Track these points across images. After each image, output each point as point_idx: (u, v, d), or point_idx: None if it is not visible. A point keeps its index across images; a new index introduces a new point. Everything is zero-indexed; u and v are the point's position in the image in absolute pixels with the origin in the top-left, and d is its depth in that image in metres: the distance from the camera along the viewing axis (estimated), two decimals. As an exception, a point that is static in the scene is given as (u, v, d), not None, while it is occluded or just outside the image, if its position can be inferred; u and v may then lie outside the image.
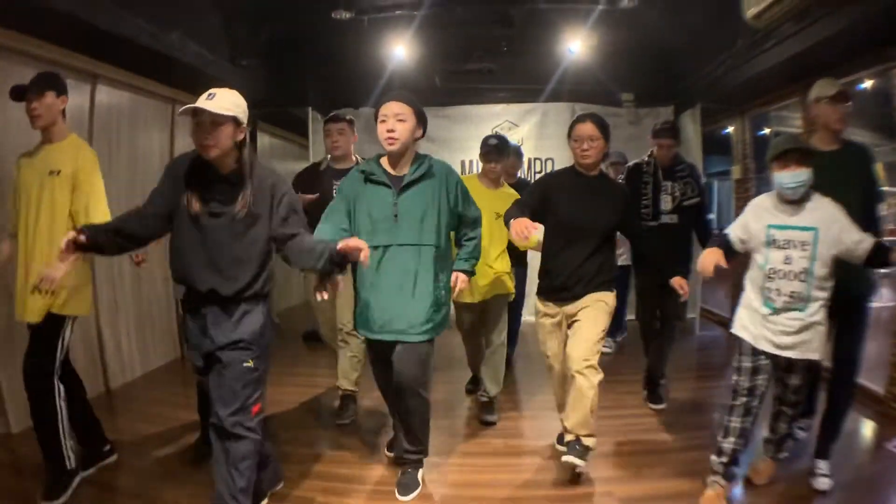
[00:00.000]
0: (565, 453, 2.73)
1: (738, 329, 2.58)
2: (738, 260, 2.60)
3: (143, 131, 4.58)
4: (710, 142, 6.41)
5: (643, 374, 4.00)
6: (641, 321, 4.04)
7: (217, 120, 2.11)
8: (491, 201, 3.36)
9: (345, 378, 3.69)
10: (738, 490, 2.66)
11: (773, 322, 2.43)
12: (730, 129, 6.22)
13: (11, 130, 3.13)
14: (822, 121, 2.74)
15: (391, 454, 3.07)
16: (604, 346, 3.28)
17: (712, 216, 4.05)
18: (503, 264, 3.48)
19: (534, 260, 3.71)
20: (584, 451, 2.72)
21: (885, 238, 2.77)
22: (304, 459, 3.07)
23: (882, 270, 2.60)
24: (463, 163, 6.29)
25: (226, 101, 2.14)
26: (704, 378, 4.26)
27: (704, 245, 2.82)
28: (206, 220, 2.18)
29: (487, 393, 3.59)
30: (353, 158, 3.72)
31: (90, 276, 2.82)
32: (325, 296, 2.26)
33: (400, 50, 5.63)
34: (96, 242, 2.14)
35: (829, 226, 2.35)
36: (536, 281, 2.99)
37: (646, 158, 3.97)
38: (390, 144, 2.54)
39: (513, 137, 6.28)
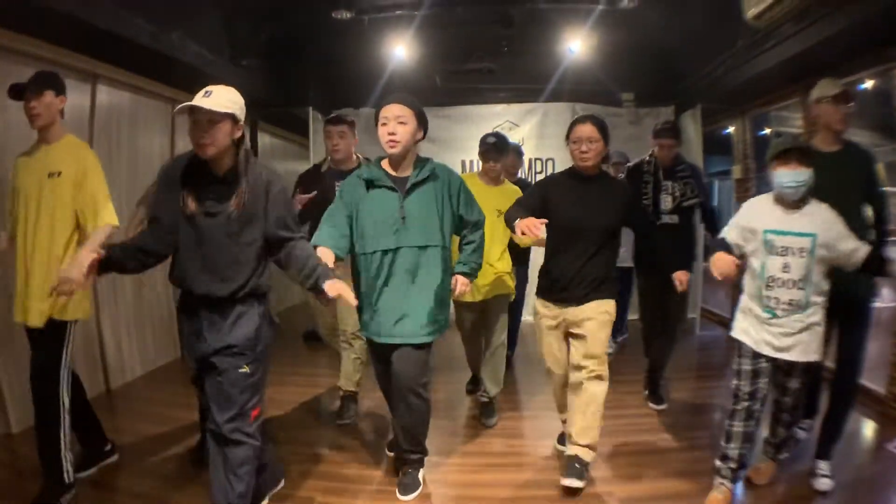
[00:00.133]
0: (564, 474, 2.71)
1: (738, 333, 2.56)
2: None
3: (143, 131, 4.58)
4: (711, 142, 6.40)
5: (644, 375, 4.00)
6: (644, 321, 4.04)
7: (214, 118, 2.06)
8: (492, 199, 3.35)
9: (347, 379, 3.68)
10: (739, 490, 2.65)
11: (774, 325, 2.42)
12: (730, 129, 6.22)
13: (11, 131, 3.13)
14: (823, 121, 2.72)
15: (392, 454, 3.07)
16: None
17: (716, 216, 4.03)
18: (505, 264, 3.48)
19: (535, 260, 3.72)
20: (583, 470, 2.72)
21: (890, 238, 2.78)
22: (305, 459, 3.07)
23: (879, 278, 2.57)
24: (463, 162, 6.29)
25: (223, 99, 2.09)
26: (704, 378, 4.26)
27: (714, 234, 2.79)
28: (201, 220, 2.15)
29: (487, 393, 3.59)
30: (355, 158, 3.70)
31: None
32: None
33: (400, 50, 5.62)
34: (119, 260, 2.12)
35: (827, 232, 2.34)
36: (537, 281, 2.95)
37: (647, 158, 3.96)
38: (392, 147, 2.54)
39: (513, 137, 6.25)
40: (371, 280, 2.59)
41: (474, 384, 4.05)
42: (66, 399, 2.58)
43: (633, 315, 5.42)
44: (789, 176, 2.33)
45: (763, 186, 2.53)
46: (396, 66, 5.79)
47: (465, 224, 2.73)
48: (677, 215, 3.81)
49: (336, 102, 6.37)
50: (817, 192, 2.41)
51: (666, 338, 3.89)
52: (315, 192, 3.46)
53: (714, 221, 3.91)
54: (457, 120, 6.45)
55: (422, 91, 4.77)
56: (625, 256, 4.44)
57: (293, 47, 5.83)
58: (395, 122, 2.52)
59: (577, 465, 2.72)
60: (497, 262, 3.43)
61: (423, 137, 2.67)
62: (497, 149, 3.50)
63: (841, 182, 2.59)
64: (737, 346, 2.56)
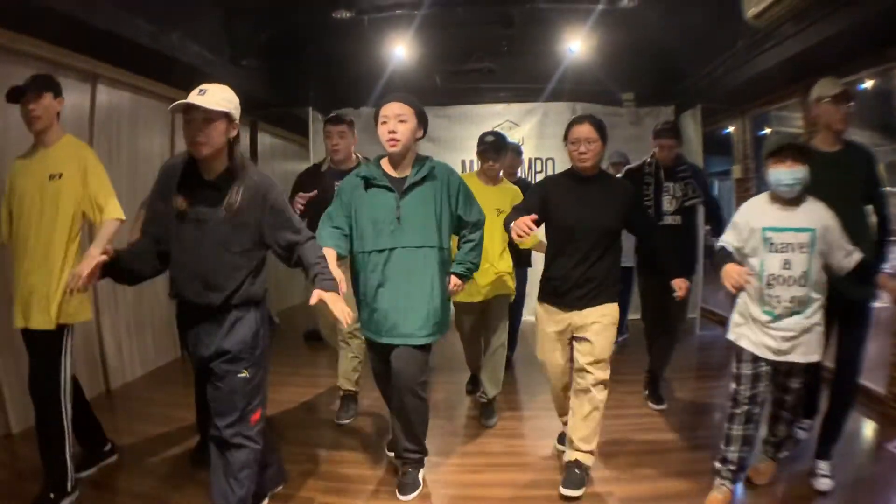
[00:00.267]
0: (563, 483, 2.70)
1: (736, 337, 2.54)
2: None
3: (143, 131, 4.59)
4: (711, 142, 6.41)
5: (644, 375, 4.01)
6: (645, 321, 4.04)
7: (209, 116, 2.02)
8: (491, 198, 3.34)
9: (345, 378, 3.68)
10: (738, 490, 2.65)
11: (774, 328, 2.39)
12: (730, 129, 6.22)
13: (11, 132, 3.12)
14: (823, 121, 2.71)
15: (391, 454, 3.07)
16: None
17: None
18: (505, 264, 3.47)
19: (535, 260, 3.72)
20: (582, 476, 2.72)
21: (891, 238, 2.78)
22: (305, 459, 3.07)
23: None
24: (463, 162, 6.30)
25: (217, 97, 2.05)
26: (705, 378, 4.26)
27: (718, 233, 2.76)
28: (192, 226, 2.11)
29: (487, 394, 3.58)
30: (354, 157, 3.70)
31: None
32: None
33: (400, 50, 5.63)
34: (120, 266, 2.10)
35: (825, 228, 2.34)
36: (537, 283, 2.90)
37: (647, 160, 3.96)
38: (392, 146, 2.53)
39: (513, 137, 6.28)
40: (368, 280, 2.59)
41: (474, 384, 4.05)
42: (67, 406, 2.57)
43: (633, 315, 5.43)
44: (785, 174, 2.32)
45: (763, 186, 2.52)
46: (396, 65, 5.79)
47: (465, 224, 2.72)
48: (680, 216, 3.80)
49: (336, 102, 6.38)
50: (818, 192, 2.40)
51: (667, 337, 3.88)
52: (315, 192, 3.45)
53: (719, 218, 3.90)
54: (457, 120, 6.47)
55: (422, 91, 4.78)
56: (625, 256, 4.45)
57: (293, 47, 5.83)
58: (396, 121, 2.52)
59: (576, 470, 2.71)
60: (497, 262, 3.42)
61: (423, 136, 2.67)
62: (495, 148, 3.48)
63: (842, 182, 2.58)
64: (735, 350, 2.53)
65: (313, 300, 2.09)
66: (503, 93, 6.60)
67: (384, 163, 2.66)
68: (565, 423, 3.00)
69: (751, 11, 3.68)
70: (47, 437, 2.54)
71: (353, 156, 3.70)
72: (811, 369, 2.56)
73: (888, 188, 2.77)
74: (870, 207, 2.73)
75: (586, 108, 5.98)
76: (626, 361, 4.40)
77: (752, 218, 2.46)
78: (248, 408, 2.20)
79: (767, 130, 5.98)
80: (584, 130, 2.68)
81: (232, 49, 4.99)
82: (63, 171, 2.57)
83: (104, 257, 2.04)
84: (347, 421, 3.62)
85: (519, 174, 4.85)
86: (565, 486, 2.67)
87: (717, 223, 3.87)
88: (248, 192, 2.13)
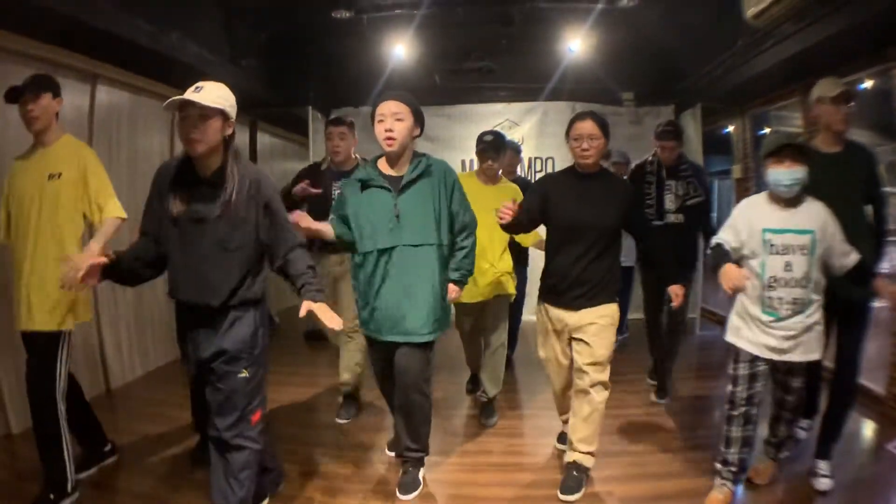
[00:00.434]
0: (561, 487, 2.70)
1: (734, 338, 2.53)
2: None
3: (142, 131, 4.58)
4: (711, 141, 6.40)
5: (648, 368, 4.10)
6: (647, 316, 4.06)
7: (204, 113, 2.02)
8: (490, 197, 3.30)
9: (349, 373, 3.70)
10: (739, 490, 2.65)
11: (776, 328, 2.38)
12: (730, 129, 6.22)
13: (10, 132, 3.12)
14: (824, 121, 2.70)
15: (391, 453, 3.08)
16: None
17: (713, 214, 4.07)
18: (505, 264, 3.46)
19: (535, 260, 3.72)
20: (581, 478, 2.72)
21: (889, 238, 2.77)
22: (305, 459, 3.07)
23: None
24: (463, 162, 6.29)
25: (213, 94, 2.05)
26: (705, 377, 4.26)
27: (707, 236, 2.75)
28: (188, 226, 2.10)
29: (487, 393, 3.59)
30: (354, 158, 3.74)
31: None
32: None
33: (400, 49, 5.63)
34: (121, 267, 2.10)
35: (825, 229, 2.33)
36: (537, 282, 2.90)
37: (649, 158, 3.98)
38: (389, 145, 2.54)
39: (513, 136, 6.27)
40: (368, 279, 2.59)
41: (474, 384, 4.05)
42: (62, 406, 2.56)
43: (633, 314, 5.44)
44: (785, 174, 2.31)
45: (763, 186, 2.50)
46: (396, 65, 5.79)
47: (455, 224, 2.69)
48: (682, 214, 3.82)
49: (336, 102, 6.38)
50: (819, 192, 2.39)
51: (671, 334, 3.92)
52: (320, 190, 3.48)
53: (709, 223, 3.92)
54: (456, 119, 6.46)
55: (421, 90, 4.78)
56: (625, 255, 4.46)
57: (293, 47, 5.83)
58: (392, 119, 2.52)
59: (575, 472, 2.72)
60: (498, 262, 3.42)
61: (420, 134, 2.67)
62: (494, 147, 3.47)
63: (842, 183, 2.58)
64: (732, 350, 2.52)
65: (302, 312, 2.12)
66: (503, 92, 6.59)
67: (381, 162, 2.66)
68: (565, 423, 3.01)
69: (750, 11, 3.68)
70: (45, 437, 2.54)
71: (353, 157, 3.74)
72: (811, 368, 2.56)
73: (888, 188, 2.76)
74: (868, 207, 2.73)
75: (586, 108, 5.94)
76: (626, 361, 4.40)
77: (751, 218, 2.44)
78: (249, 408, 2.19)
79: (767, 130, 5.99)
80: (587, 127, 2.65)
81: (231, 49, 4.98)
82: (62, 170, 2.57)
83: (104, 259, 2.04)
84: (346, 420, 3.63)
85: (518, 173, 4.85)
86: (562, 492, 2.68)
87: (707, 222, 3.90)
88: (244, 189, 2.13)
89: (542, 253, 2.94)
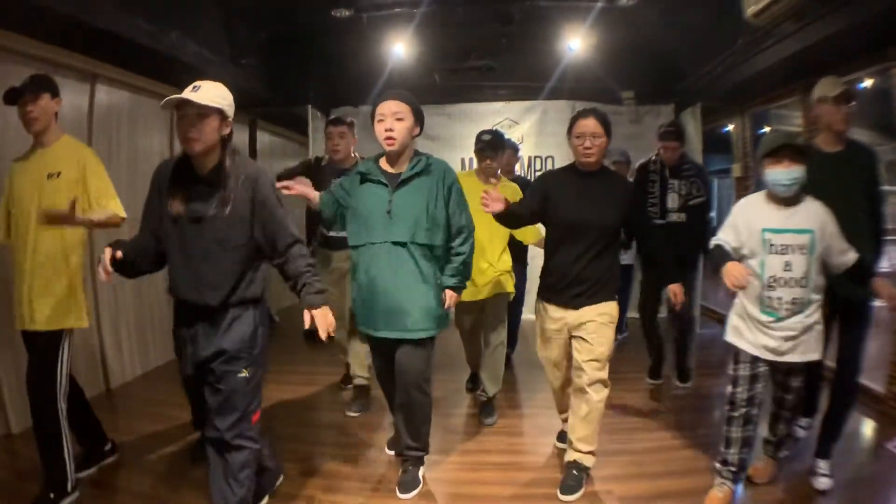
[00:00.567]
0: (561, 487, 2.70)
1: (734, 338, 2.52)
2: None
3: (142, 131, 4.58)
4: (711, 140, 6.41)
5: (648, 367, 4.20)
6: (642, 314, 4.09)
7: (202, 112, 2.03)
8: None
9: (358, 364, 3.75)
10: (739, 489, 2.65)
11: (775, 328, 2.38)
12: (730, 128, 6.22)
13: (10, 132, 3.12)
14: (825, 121, 2.70)
15: (391, 452, 3.09)
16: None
17: (712, 214, 4.10)
18: (504, 263, 3.47)
19: (535, 259, 3.72)
20: (581, 477, 2.72)
21: (886, 237, 2.77)
22: (305, 458, 3.08)
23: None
24: (463, 160, 6.29)
25: (211, 93, 2.06)
26: (705, 376, 4.25)
27: (705, 240, 2.77)
28: (186, 224, 2.11)
29: (486, 392, 3.59)
30: (354, 157, 3.78)
31: (80, 285, 2.68)
32: None
33: (399, 48, 5.63)
34: (126, 256, 2.09)
35: (823, 228, 2.32)
36: (537, 281, 2.90)
37: (652, 157, 4.00)
38: (389, 144, 2.54)
39: (513, 135, 6.27)
40: (361, 273, 2.61)
41: (474, 383, 4.06)
42: (63, 406, 2.56)
43: (633, 313, 5.44)
44: (784, 175, 2.30)
45: (762, 184, 2.50)
46: (396, 63, 5.79)
47: (451, 227, 2.66)
48: (684, 213, 3.85)
49: (335, 100, 6.39)
50: (820, 192, 2.39)
51: (680, 332, 4.06)
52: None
53: (708, 230, 3.95)
54: (456, 118, 6.46)
55: (421, 89, 4.77)
56: (624, 254, 4.47)
57: (292, 46, 5.84)
58: (392, 119, 2.52)
59: (575, 471, 2.72)
60: (497, 261, 3.42)
61: (420, 133, 2.67)
62: (492, 146, 3.48)
63: (844, 182, 2.58)
64: (732, 351, 2.52)
65: (307, 322, 2.16)
66: (503, 91, 6.59)
67: (382, 160, 2.67)
68: (565, 421, 3.01)
69: (750, 10, 3.67)
70: (45, 437, 2.54)
71: (353, 156, 3.79)
72: (811, 368, 2.55)
73: (888, 187, 2.76)
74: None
75: (586, 106, 5.96)
76: (625, 360, 4.40)
77: (750, 218, 2.43)
78: (249, 408, 2.20)
79: (767, 129, 5.99)
80: (590, 125, 2.64)
81: (231, 48, 4.98)
82: (61, 169, 2.57)
83: (119, 254, 2.04)
84: (357, 413, 3.66)
85: (517, 172, 4.86)
86: (562, 491, 2.68)
87: (706, 225, 3.94)
88: (241, 186, 2.13)
89: (542, 251, 2.94)
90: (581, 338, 2.68)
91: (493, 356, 3.57)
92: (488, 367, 3.58)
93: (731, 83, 4.92)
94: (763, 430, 2.72)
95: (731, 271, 2.28)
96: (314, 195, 2.67)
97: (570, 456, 2.75)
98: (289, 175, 3.63)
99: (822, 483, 2.65)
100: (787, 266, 2.34)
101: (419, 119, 2.62)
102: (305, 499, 2.69)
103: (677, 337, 4.12)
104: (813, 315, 2.38)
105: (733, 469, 2.52)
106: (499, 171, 3.65)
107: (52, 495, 2.52)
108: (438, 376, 4.10)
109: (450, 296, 2.69)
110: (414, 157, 2.64)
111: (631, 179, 4.43)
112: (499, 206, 2.58)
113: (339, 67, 6.25)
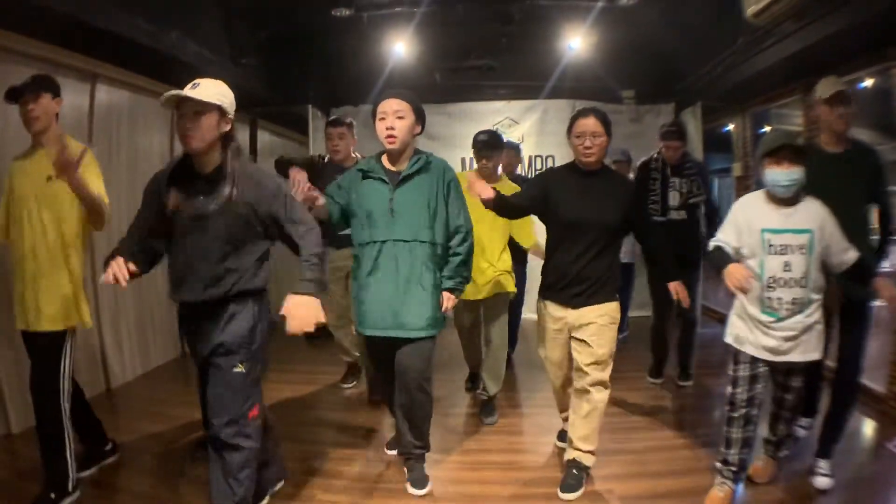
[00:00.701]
0: (561, 485, 2.70)
1: (734, 339, 2.51)
2: None
3: (142, 130, 4.58)
4: (711, 139, 6.42)
5: (649, 367, 4.22)
6: (655, 313, 4.14)
7: (200, 109, 2.04)
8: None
9: (352, 344, 3.90)
10: (739, 489, 2.64)
11: (776, 328, 2.37)
12: (730, 127, 6.22)
13: (11, 132, 3.12)
14: (823, 122, 2.71)
15: (390, 452, 3.10)
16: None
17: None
18: (504, 262, 3.47)
19: (535, 258, 3.72)
20: (581, 476, 2.72)
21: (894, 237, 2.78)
22: (305, 457, 3.08)
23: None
24: (463, 160, 6.28)
25: (210, 91, 2.07)
26: (705, 375, 4.25)
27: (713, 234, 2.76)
28: (188, 222, 2.11)
29: (487, 392, 3.59)
30: (354, 157, 3.79)
31: (81, 285, 2.68)
32: None
33: (400, 47, 5.64)
34: (137, 258, 2.10)
35: (823, 228, 2.32)
36: (537, 280, 2.88)
37: (654, 155, 4.02)
38: (390, 143, 2.54)
39: (513, 134, 6.31)
40: (362, 271, 2.61)
41: (473, 382, 4.06)
42: (66, 406, 2.57)
43: (634, 312, 5.45)
44: (783, 175, 2.30)
45: (762, 184, 2.49)
46: (396, 63, 5.79)
47: (449, 226, 2.65)
48: (685, 211, 3.87)
49: (336, 100, 6.39)
50: (822, 192, 2.39)
51: (684, 331, 4.08)
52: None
53: (715, 222, 3.95)
54: (457, 117, 6.45)
55: (421, 88, 4.77)
56: (625, 253, 4.48)
57: (293, 45, 5.83)
58: (394, 117, 2.53)
59: (575, 470, 2.72)
60: (497, 261, 3.42)
61: (421, 132, 2.67)
62: (489, 145, 3.49)
63: (845, 182, 2.58)
64: (732, 352, 2.51)
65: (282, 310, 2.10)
66: (503, 90, 6.59)
67: (384, 158, 2.67)
68: (566, 420, 3.01)
69: (751, 9, 3.68)
70: (47, 437, 2.54)
71: (353, 155, 3.81)
72: (811, 368, 2.55)
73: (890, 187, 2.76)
74: (872, 206, 2.73)
75: (587, 105, 5.97)
76: (626, 359, 4.38)
77: (750, 218, 2.42)
78: (246, 405, 2.18)
79: (767, 128, 5.99)
80: (590, 124, 2.63)
81: (231, 47, 4.98)
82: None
83: (132, 266, 2.05)
84: (351, 384, 3.93)
85: (518, 171, 4.86)
86: (562, 490, 2.68)
87: (713, 225, 3.93)
88: (242, 183, 2.12)
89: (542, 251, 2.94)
90: (582, 340, 2.67)
91: (494, 356, 3.57)
92: (489, 366, 3.58)
93: (732, 83, 4.93)
94: (763, 430, 2.72)
95: (732, 273, 2.28)
96: (321, 202, 2.61)
97: (571, 455, 2.75)
98: (289, 163, 3.62)
99: (822, 482, 2.65)
100: (787, 266, 2.33)
101: (420, 117, 2.63)
102: (305, 498, 2.69)
103: (681, 335, 4.13)
104: (813, 315, 2.37)
105: (734, 469, 2.51)
106: (500, 171, 3.65)
107: (52, 495, 2.52)
108: (438, 375, 4.10)
109: (448, 298, 2.65)
110: (414, 155, 2.64)
111: (631, 177, 4.45)
112: (488, 193, 2.56)
113: (340, 67, 6.25)
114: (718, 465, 2.56)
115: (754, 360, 2.43)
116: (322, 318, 2.11)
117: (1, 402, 3.24)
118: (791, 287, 2.34)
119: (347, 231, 2.76)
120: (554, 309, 2.76)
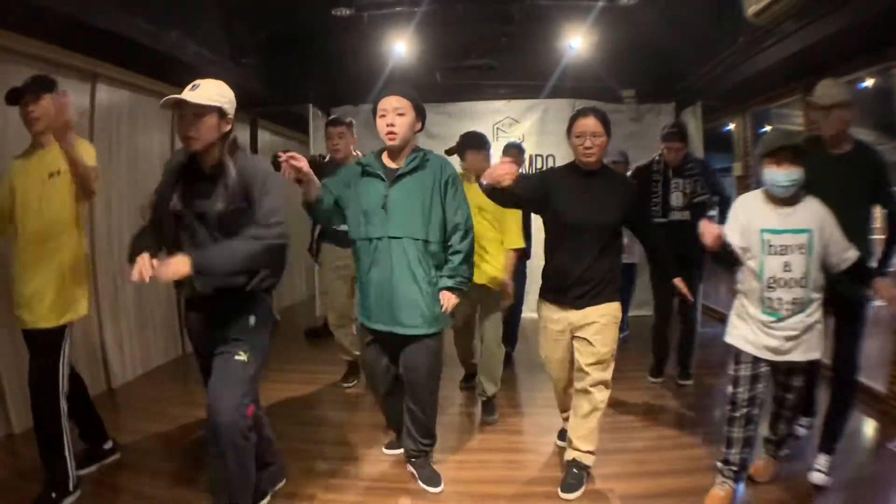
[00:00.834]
0: (562, 485, 2.70)
1: (735, 339, 2.51)
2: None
3: (142, 130, 4.58)
4: (712, 138, 6.42)
5: (649, 366, 4.24)
6: (657, 312, 4.15)
7: (200, 111, 2.06)
8: (475, 194, 3.12)
9: (352, 344, 3.91)
10: (740, 488, 2.65)
11: (777, 328, 2.37)
12: (731, 127, 6.22)
13: (11, 132, 3.12)
14: (821, 125, 2.71)
15: (389, 452, 3.11)
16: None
17: (713, 213, 4.10)
18: (499, 261, 3.47)
19: (535, 258, 3.72)
20: (582, 475, 2.72)
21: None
22: (306, 456, 3.08)
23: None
24: (463, 159, 6.28)
25: (209, 92, 2.09)
26: (705, 375, 4.25)
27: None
28: (190, 220, 2.13)
29: (486, 392, 3.58)
30: (354, 155, 3.82)
31: (80, 280, 2.68)
32: None
33: (400, 46, 5.64)
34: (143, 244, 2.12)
35: (822, 227, 2.32)
36: (537, 280, 2.87)
37: (656, 158, 4.04)
38: (391, 140, 2.55)
39: (514, 134, 6.36)
40: (361, 266, 2.63)
41: (467, 382, 4.08)
42: (64, 405, 2.56)
43: (634, 312, 5.45)
44: (783, 176, 2.30)
45: (762, 184, 2.49)
46: (396, 62, 5.79)
47: (448, 223, 2.63)
48: (688, 211, 3.88)
49: (336, 99, 6.40)
50: (823, 193, 2.39)
51: (685, 331, 4.10)
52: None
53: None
54: (457, 117, 6.44)
55: (422, 87, 4.73)
56: (627, 253, 4.49)
57: (293, 45, 5.84)
58: (394, 114, 2.53)
59: (575, 470, 2.72)
60: (493, 259, 3.44)
61: (422, 129, 2.68)
62: (463, 146, 3.61)
63: (847, 183, 2.57)
64: (733, 352, 2.50)
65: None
66: (503, 89, 6.59)
67: (384, 155, 2.67)
68: (566, 420, 3.01)
69: (751, 9, 3.68)
70: (46, 437, 2.54)
71: (353, 154, 3.86)
72: (812, 367, 2.55)
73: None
74: (874, 207, 2.73)
75: (587, 105, 5.97)
76: (626, 359, 4.38)
77: (750, 217, 2.42)
78: (244, 399, 2.16)
79: (768, 128, 6.00)
80: (590, 124, 2.61)
81: (231, 47, 4.99)
82: (61, 167, 2.55)
83: (155, 262, 2.03)
84: (352, 385, 3.91)
85: (521, 171, 4.87)
86: (563, 490, 2.68)
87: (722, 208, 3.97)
88: (238, 181, 2.13)
89: (542, 251, 2.93)
90: (584, 339, 2.66)
91: (488, 353, 3.55)
92: (485, 367, 3.57)
93: (732, 82, 4.93)
94: (764, 430, 2.72)
95: (703, 231, 2.41)
96: (315, 182, 2.50)
97: (571, 455, 2.75)
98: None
99: (818, 478, 2.65)
100: (787, 267, 2.33)
101: (420, 114, 2.63)
102: (306, 497, 2.69)
103: (682, 335, 4.14)
104: (814, 314, 2.38)
105: (735, 468, 2.51)
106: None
107: (53, 495, 2.53)
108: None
109: (448, 297, 2.62)
110: (412, 152, 2.64)
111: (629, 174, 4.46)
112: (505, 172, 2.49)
113: (340, 66, 6.25)
114: (719, 464, 2.56)
115: (756, 360, 2.43)
116: (186, 271, 2.00)
117: (2, 401, 3.24)
118: (791, 287, 2.34)
119: (344, 227, 2.76)
120: (556, 311, 2.74)
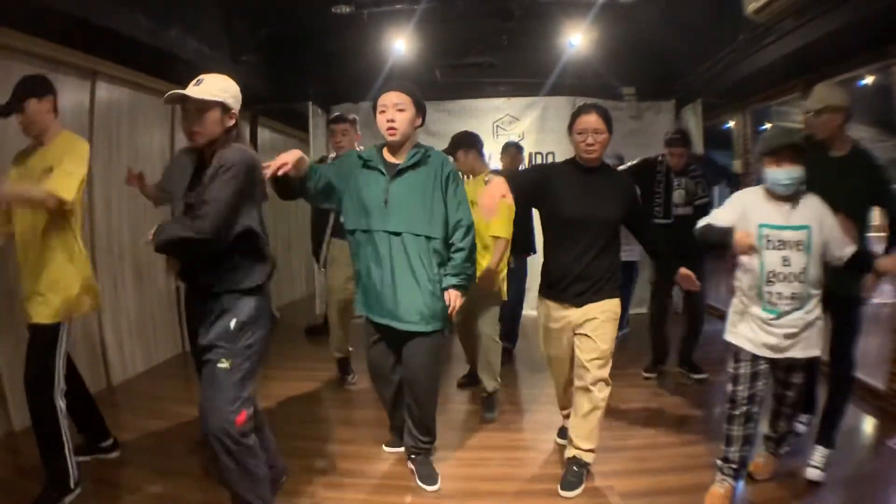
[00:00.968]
0: (561, 483, 2.70)
1: (734, 337, 2.51)
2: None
3: (143, 128, 4.58)
4: (712, 136, 6.42)
5: (647, 364, 4.26)
6: (656, 300, 4.19)
7: (202, 106, 2.06)
8: (468, 192, 3.05)
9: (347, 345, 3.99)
10: (740, 485, 2.65)
11: (776, 325, 2.38)
12: (731, 124, 6.22)
13: (11, 132, 3.11)
14: (814, 129, 2.73)
15: (390, 450, 3.11)
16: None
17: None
18: (488, 261, 3.46)
19: (534, 258, 3.73)
20: (582, 473, 2.72)
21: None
22: (306, 454, 3.08)
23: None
24: (463, 157, 6.28)
25: (213, 87, 2.08)
26: (706, 372, 4.26)
27: None
28: (188, 212, 2.10)
29: (486, 388, 3.59)
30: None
31: (77, 277, 2.65)
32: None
33: (400, 44, 5.64)
34: None
35: (821, 224, 2.33)
36: (537, 278, 2.86)
37: (659, 157, 4.06)
38: (391, 135, 2.55)
39: (514, 131, 6.37)
40: (361, 258, 2.63)
41: (468, 378, 4.08)
42: (61, 404, 2.55)
43: (634, 309, 5.45)
44: (782, 175, 2.31)
45: (762, 181, 2.50)
46: (396, 60, 5.78)
47: (449, 221, 2.62)
48: (690, 207, 3.90)
49: (336, 97, 6.39)
50: (821, 194, 2.40)
51: (690, 326, 4.12)
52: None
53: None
54: (457, 114, 6.44)
55: (422, 85, 4.74)
56: (627, 251, 4.50)
57: (293, 43, 5.83)
58: (394, 110, 2.53)
59: (575, 467, 2.72)
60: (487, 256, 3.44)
61: (422, 124, 2.68)
62: (454, 145, 3.64)
63: (845, 187, 2.58)
64: (733, 350, 2.51)
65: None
66: (503, 87, 6.59)
67: (385, 150, 2.68)
68: (566, 417, 3.01)
69: (751, 7, 3.68)
70: (45, 436, 2.55)
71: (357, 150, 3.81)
72: (812, 364, 2.56)
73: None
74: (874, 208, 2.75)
75: (588, 102, 5.97)
76: (626, 356, 4.41)
77: (749, 211, 2.43)
78: (231, 407, 2.08)
79: (768, 125, 6.00)
80: (592, 121, 2.59)
81: (231, 45, 4.98)
82: (54, 164, 2.55)
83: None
84: (355, 380, 3.95)
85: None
86: (563, 488, 2.68)
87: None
88: (215, 169, 2.07)
89: (541, 252, 2.94)
90: (585, 335, 2.66)
91: (485, 350, 3.56)
92: (483, 363, 3.59)
93: (732, 80, 4.93)
94: (764, 427, 2.72)
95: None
96: (293, 159, 2.43)
97: (571, 452, 2.75)
98: None
99: (812, 474, 2.67)
100: (786, 261, 2.34)
101: (421, 110, 2.63)
102: (307, 495, 2.70)
103: (688, 330, 4.16)
104: (814, 311, 2.38)
105: (734, 466, 2.52)
106: (489, 168, 3.69)
107: (54, 493, 2.53)
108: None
109: (454, 296, 2.61)
110: (413, 148, 2.64)
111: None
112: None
113: (340, 64, 6.24)
114: (719, 462, 2.56)
115: (755, 358, 2.44)
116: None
117: (2, 399, 3.25)
118: (790, 282, 2.35)
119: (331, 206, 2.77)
120: (556, 308, 2.74)
